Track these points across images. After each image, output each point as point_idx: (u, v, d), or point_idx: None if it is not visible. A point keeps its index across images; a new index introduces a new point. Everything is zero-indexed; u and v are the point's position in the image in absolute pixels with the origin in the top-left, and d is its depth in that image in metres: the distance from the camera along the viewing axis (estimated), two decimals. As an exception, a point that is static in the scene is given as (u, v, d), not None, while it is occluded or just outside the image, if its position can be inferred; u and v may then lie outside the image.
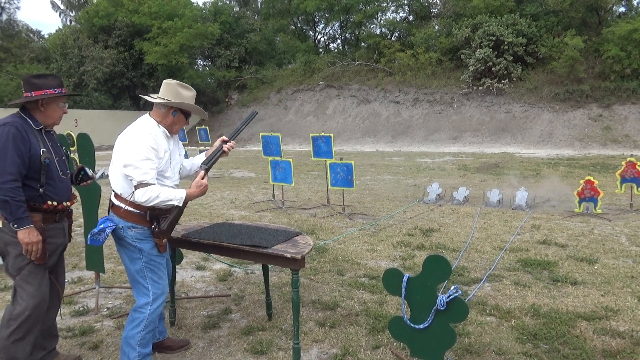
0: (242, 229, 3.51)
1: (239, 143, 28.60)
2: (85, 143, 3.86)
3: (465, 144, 23.85)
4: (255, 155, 12.85)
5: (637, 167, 7.45)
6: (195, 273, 4.95)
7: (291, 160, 8.04)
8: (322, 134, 8.13)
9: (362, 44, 34.80)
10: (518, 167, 14.27)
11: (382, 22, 35.07)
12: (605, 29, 24.83)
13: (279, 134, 8.49)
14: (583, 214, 7.26)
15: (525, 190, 8.25)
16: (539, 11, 27.17)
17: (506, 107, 25.21)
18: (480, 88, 25.68)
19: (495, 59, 25.02)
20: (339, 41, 40.24)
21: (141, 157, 2.64)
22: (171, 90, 2.83)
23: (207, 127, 12.39)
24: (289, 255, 2.90)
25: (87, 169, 3.10)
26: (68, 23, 39.52)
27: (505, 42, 24.90)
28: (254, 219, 7.42)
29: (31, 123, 2.72)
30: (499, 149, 22.13)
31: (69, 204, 2.90)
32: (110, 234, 2.72)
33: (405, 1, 34.53)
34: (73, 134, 9.29)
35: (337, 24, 38.00)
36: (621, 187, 7.65)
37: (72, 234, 3.18)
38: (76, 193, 3.21)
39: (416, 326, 2.74)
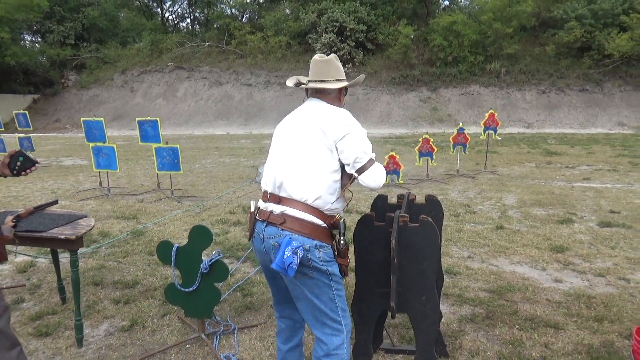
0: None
1: (77, 128, 26.27)
2: None
3: (314, 125, 25.05)
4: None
5: (430, 143, 8.76)
6: (-9, 268, 4.69)
7: (114, 145, 7.82)
8: (149, 118, 8.05)
9: (214, 25, 34.15)
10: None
11: (232, 2, 34.74)
12: (432, 20, 27.86)
13: (102, 119, 8.18)
14: (388, 185, 8.34)
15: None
16: (376, 0, 29.39)
17: (351, 90, 26.90)
18: (327, 72, 27.08)
19: (339, 44, 26.57)
20: (188, 20, 38.97)
21: (361, 131, 2.07)
22: (335, 67, 2.19)
23: (27, 112, 11.26)
24: (62, 237, 3.00)
25: (26, 153, 2.43)
26: None
27: (348, 29, 26.56)
28: (75, 208, 7.12)
29: None
30: (344, 129, 23.69)
31: None
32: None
33: (255, -18, 34.69)
34: None
35: (186, 1, 36.71)
36: (419, 160, 8.93)
37: None
38: None
39: (186, 289, 3.07)
